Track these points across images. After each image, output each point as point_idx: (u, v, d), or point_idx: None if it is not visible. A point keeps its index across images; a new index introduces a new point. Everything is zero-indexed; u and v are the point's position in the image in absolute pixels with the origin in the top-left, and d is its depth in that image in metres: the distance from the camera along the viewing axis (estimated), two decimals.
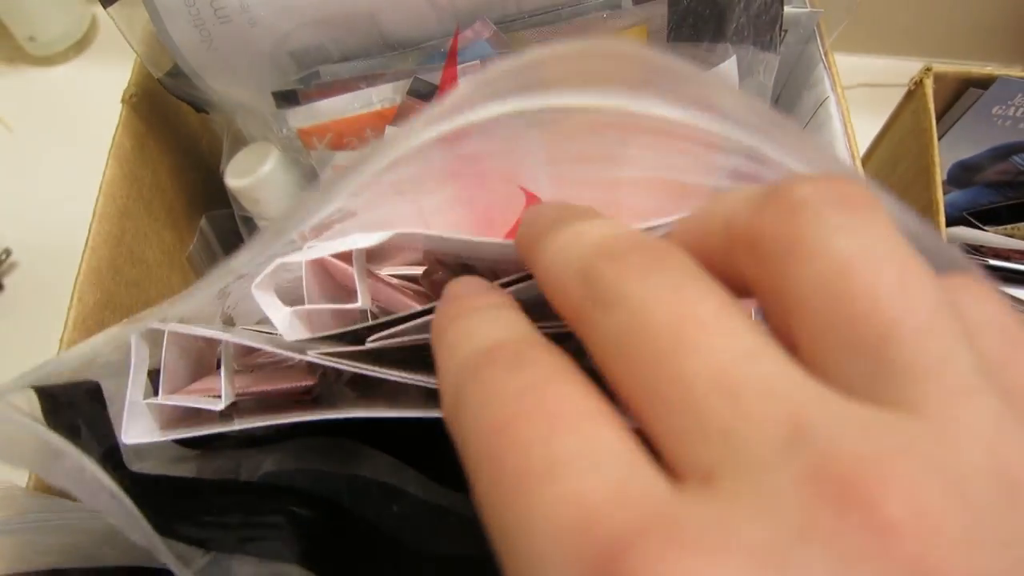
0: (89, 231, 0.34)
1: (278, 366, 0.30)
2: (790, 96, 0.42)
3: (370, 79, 0.34)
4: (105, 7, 0.33)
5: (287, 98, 0.34)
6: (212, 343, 0.29)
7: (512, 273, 0.17)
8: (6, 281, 0.62)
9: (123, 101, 0.36)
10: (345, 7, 0.33)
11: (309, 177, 0.37)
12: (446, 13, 0.33)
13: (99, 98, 0.65)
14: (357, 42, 0.34)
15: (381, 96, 0.35)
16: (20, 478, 0.30)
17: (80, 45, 0.68)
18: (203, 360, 0.29)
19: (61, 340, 0.32)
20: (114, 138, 0.35)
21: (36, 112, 0.66)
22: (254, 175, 0.37)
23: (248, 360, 0.30)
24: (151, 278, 0.37)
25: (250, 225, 0.40)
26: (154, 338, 0.26)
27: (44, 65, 0.68)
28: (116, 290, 0.34)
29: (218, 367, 0.29)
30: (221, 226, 0.42)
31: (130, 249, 0.35)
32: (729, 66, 0.34)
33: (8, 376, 0.22)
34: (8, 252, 0.62)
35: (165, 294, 0.38)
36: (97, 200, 0.34)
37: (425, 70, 0.34)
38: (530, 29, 0.35)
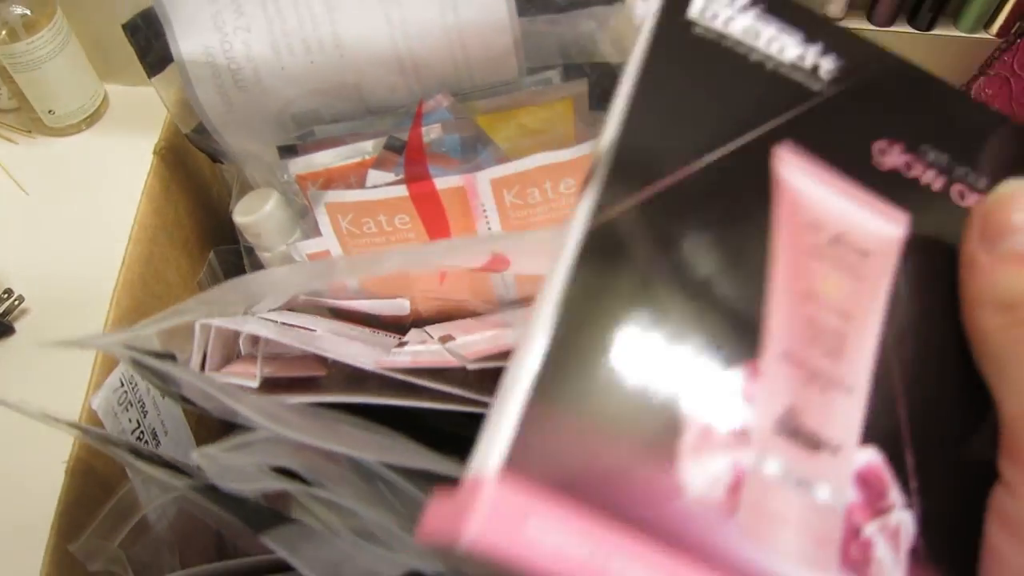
0: (126, 251, 0.42)
1: (292, 357, 0.39)
2: None
3: (354, 136, 0.44)
4: (149, 77, 0.42)
5: (289, 151, 0.44)
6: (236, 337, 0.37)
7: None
8: (18, 326, 0.69)
9: (154, 152, 0.45)
10: (336, 80, 0.42)
11: (302, 215, 0.46)
12: (415, 86, 0.43)
13: (107, 165, 0.75)
14: (344, 107, 0.44)
15: (363, 150, 0.44)
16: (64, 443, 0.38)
17: (92, 119, 0.77)
18: (228, 343, 0.37)
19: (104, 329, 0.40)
20: (146, 181, 0.44)
21: (50, 177, 0.75)
22: (257, 213, 0.46)
23: (267, 351, 0.38)
24: (170, 295, 0.45)
25: (252, 256, 0.48)
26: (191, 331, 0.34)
27: (59, 135, 0.77)
28: (144, 300, 0.42)
29: (239, 356, 0.38)
30: (226, 260, 0.51)
31: (156, 269, 0.44)
32: None
33: (15, 417, 0.29)
34: (21, 299, 0.69)
35: None
36: (132, 227, 0.43)
37: (397, 130, 0.44)
38: (481, 100, 0.45)
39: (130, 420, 0.41)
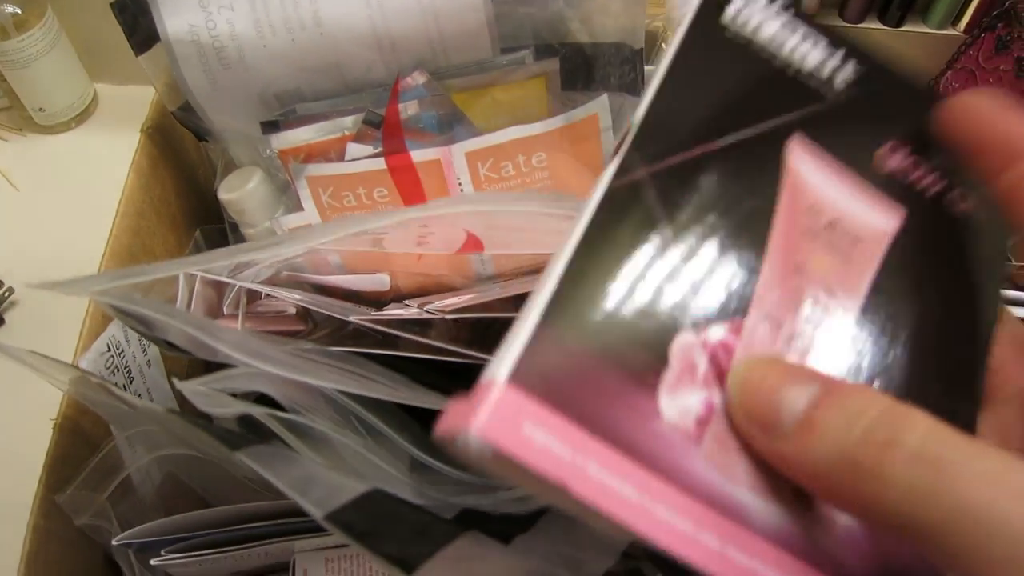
0: (113, 223, 0.44)
1: (274, 314, 0.40)
2: None
3: (335, 113, 0.46)
4: (137, 55, 0.44)
5: (272, 126, 0.45)
6: (220, 292, 0.38)
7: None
8: (7, 317, 0.70)
9: (142, 131, 0.47)
10: (317, 59, 0.44)
11: (284, 190, 0.48)
12: (392, 64, 0.45)
13: (97, 162, 0.76)
14: (325, 85, 0.46)
15: (343, 125, 0.46)
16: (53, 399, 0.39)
17: (82, 116, 0.79)
18: (211, 304, 0.38)
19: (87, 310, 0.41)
20: (134, 157, 0.46)
21: (41, 174, 0.76)
22: (241, 190, 0.48)
23: (250, 308, 0.40)
24: None
25: (237, 233, 0.50)
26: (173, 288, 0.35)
27: (50, 133, 0.78)
28: None
29: (222, 311, 0.39)
30: (211, 238, 0.52)
31: (143, 241, 0.45)
32: (601, 103, 0.46)
33: (4, 377, 0.30)
34: (11, 291, 0.70)
35: None
36: (120, 201, 0.44)
37: (376, 106, 0.45)
38: (456, 79, 0.47)
39: (116, 385, 0.43)
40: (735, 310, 0.20)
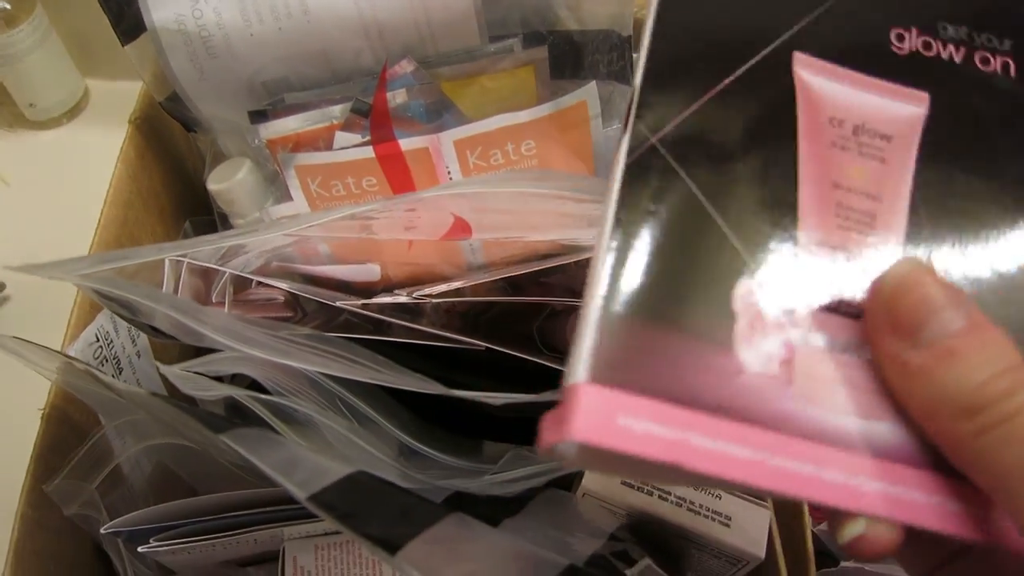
0: (101, 214, 0.43)
1: (261, 303, 0.40)
2: None
3: (323, 101, 0.46)
4: (123, 45, 0.44)
5: (260, 115, 0.45)
6: (208, 280, 0.38)
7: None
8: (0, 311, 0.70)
9: (130, 122, 0.47)
10: (304, 46, 0.44)
11: (272, 180, 0.48)
12: (379, 51, 0.45)
13: (88, 157, 0.76)
14: (313, 74, 0.46)
15: (331, 115, 0.46)
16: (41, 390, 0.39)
17: (72, 112, 0.79)
18: (199, 292, 0.38)
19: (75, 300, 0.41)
20: (122, 147, 0.46)
21: (32, 169, 0.76)
22: (230, 181, 0.48)
23: (238, 296, 0.40)
24: None
25: (226, 224, 0.50)
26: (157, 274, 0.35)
27: (40, 129, 0.78)
28: None
29: (210, 300, 0.39)
30: (201, 229, 0.52)
31: (131, 232, 0.45)
32: (589, 90, 0.46)
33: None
34: (2, 286, 0.70)
35: None
36: (108, 191, 0.44)
37: (364, 94, 0.45)
38: (445, 67, 0.47)
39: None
40: (787, 242, 0.20)
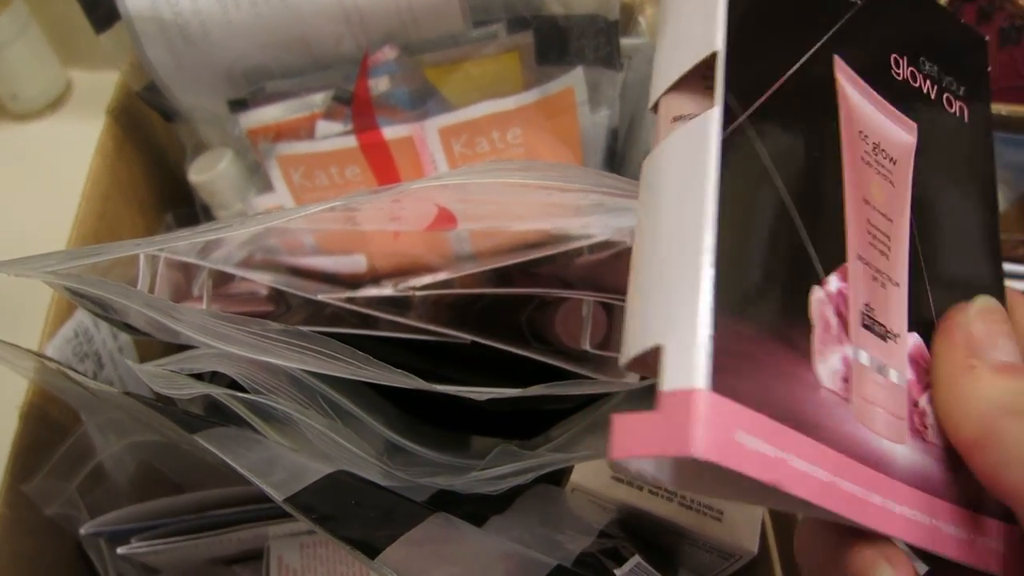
0: (79, 207, 0.42)
1: (245, 296, 0.39)
2: (642, 113, 0.53)
3: (304, 90, 0.45)
4: (97, 33, 0.43)
5: (239, 104, 0.44)
6: (188, 275, 0.38)
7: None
8: None
9: (107, 112, 0.46)
10: (283, 33, 0.43)
11: (254, 171, 0.47)
12: (360, 37, 0.44)
13: (69, 148, 0.75)
14: (293, 61, 0.45)
15: (312, 103, 0.45)
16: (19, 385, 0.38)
17: (55, 104, 0.78)
18: (179, 288, 0.37)
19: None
20: (99, 139, 0.45)
21: (14, 161, 0.75)
22: (212, 172, 0.47)
23: (219, 291, 0.39)
24: None
25: (208, 216, 0.49)
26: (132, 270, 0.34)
27: (23, 120, 0.77)
28: None
29: (191, 294, 0.38)
30: (182, 222, 0.51)
31: (109, 226, 0.44)
32: (576, 76, 0.45)
33: None
34: None
35: None
36: (85, 184, 0.43)
37: (346, 82, 0.44)
38: (428, 53, 0.46)
39: (85, 372, 0.42)
40: (837, 255, 0.19)
